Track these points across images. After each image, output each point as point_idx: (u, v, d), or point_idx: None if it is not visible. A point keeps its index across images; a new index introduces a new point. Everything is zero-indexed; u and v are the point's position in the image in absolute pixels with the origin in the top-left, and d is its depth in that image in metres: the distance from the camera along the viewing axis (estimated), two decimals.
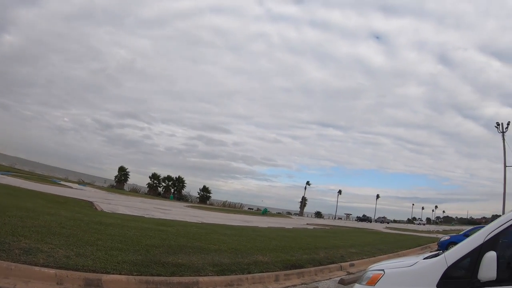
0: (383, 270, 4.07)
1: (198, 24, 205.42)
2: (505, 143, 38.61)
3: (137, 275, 6.43)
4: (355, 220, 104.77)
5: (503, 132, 38.87)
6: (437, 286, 3.44)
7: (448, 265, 3.48)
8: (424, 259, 3.95)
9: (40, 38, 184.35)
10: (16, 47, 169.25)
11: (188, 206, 50.39)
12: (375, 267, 4.40)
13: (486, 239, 3.37)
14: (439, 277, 3.45)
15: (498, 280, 3.09)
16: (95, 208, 20.31)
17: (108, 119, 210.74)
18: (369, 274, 4.23)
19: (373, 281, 4.01)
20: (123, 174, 79.55)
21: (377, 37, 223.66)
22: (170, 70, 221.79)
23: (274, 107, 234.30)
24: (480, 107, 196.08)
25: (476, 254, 3.31)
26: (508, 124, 39.00)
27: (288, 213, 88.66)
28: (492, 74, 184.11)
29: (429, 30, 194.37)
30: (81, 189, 44.68)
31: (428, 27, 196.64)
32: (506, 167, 38.53)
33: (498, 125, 39.27)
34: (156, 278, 6.48)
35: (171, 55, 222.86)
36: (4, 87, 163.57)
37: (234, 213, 47.23)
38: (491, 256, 3.10)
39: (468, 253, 3.41)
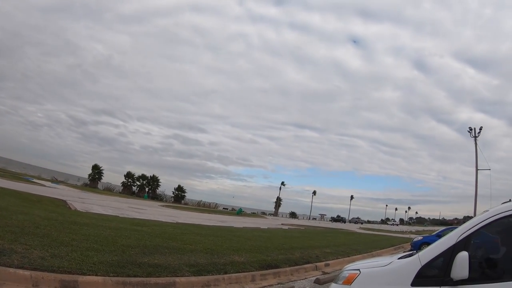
0: (359, 269, 4.15)
1: (178, 22, 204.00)
2: (477, 148, 39.60)
3: (114, 276, 6.40)
4: (330, 220, 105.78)
5: (475, 137, 39.82)
6: (411, 285, 3.55)
7: (422, 265, 3.59)
8: (398, 259, 4.05)
9: (16, 30, 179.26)
10: None
11: (163, 206, 50.11)
12: (351, 267, 4.48)
13: (459, 239, 3.50)
14: (414, 276, 3.57)
15: (470, 279, 3.22)
16: (69, 207, 20.04)
17: (83, 115, 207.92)
18: (345, 273, 4.31)
19: (349, 280, 4.09)
20: (97, 172, 78.42)
21: (355, 41, 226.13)
22: (148, 67, 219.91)
23: (251, 108, 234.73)
24: (454, 112, 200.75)
25: (449, 254, 3.44)
26: (480, 129, 40.06)
27: (263, 213, 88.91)
28: (466, 80, 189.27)
29: (406, 36, 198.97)
30: (55, 187, 43.91)
31: (406, 33, 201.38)
32: (478, 170, 39.50)
33: (471, 130, 40.22)
34: (133, 279, 6.47)
35: (149, 52, 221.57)
36: None
37: (209, 213, 47.18)
38: (463, 256, 3.22)
39: (441, 253, 3.54)
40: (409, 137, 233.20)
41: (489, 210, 3.66)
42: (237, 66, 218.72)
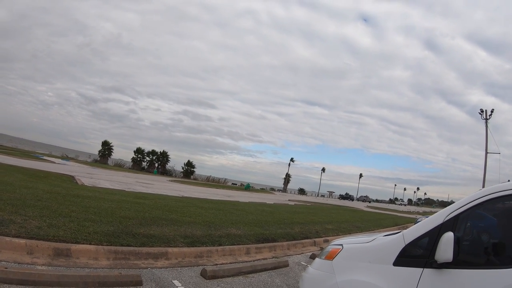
0: (341, 245, 4.14)
1: None
2: (488, 130, 38.87)
3: (107, 245, 6.55)
4: (338, 198, 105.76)
5: (486, 119, 38.90)
6: (394, 264, 3.45)
7: (406, 243, 3.46)
8: (384, 236, 3.95)
9: (24, 12, 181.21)
10: None
11: (171, 181, 50.41)
12: (335, 242, 4.47)
13: (446, 219, 3.31)
14: (396, 255, 3.46)
15: (456, 263, 3.04)
16: (76, 182, 20.24)
17: (93, 93, 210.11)
18: (329, 248, 4.31)
19: (331, 255, 4.08)
20: (107, 148, 78.99)
21: (365, 19, 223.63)
22: (156, 44, 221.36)
23: (260, 84, 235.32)
24: (465, 94, 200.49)
25: (435, 234, 3.27)
26: (491, 111, 39.23)
27: (272, 189, 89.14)
28: (478, 63, 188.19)
29: (417, 16, 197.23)
30: (64, 164, 44.28)
31: (416, 12, 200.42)
32: (487, 154, 38.84)
33: (482, 111, 39.42)
34: (125, 248, 6.62)
35: (157, 30, 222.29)
36: None
37: (217, 188, 47.46)
38: (448, 237, 3.04)
39: (427, 232, 3.38)
40: (419, 117, 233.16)
41: (481, 189, 3.38)
42: (246, 43, 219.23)
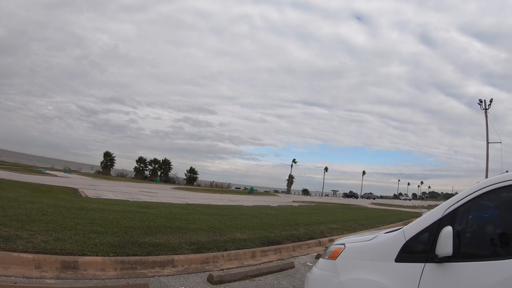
0: (344, 244, 4.17)
1: (180, 7, 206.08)
2: (488, 120, 38.92)
3: (113, 256, 6.61)
4: (342, 196, 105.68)
5: (485, 109, 39.04)
6: (395, 260, 3.47)
7: (407, 239, 3.48)
8: (385, 233, 3.98)
9: (21, 27, 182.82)
10: None
11: (175, 188, 50.46)
12: (337, 242, 4.50)
13: (445, 213, 3.33)
14: (398, 251, 3.48)
15: (457, 256, 3.06)
16: (80, 194, 20.31)
17: (93, 105, 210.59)
18: (332, 248, 4.34)
19: (334, 255, 4.11)
20: (109, 159, 79.17)
21: (358, 17, 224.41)
22: (154, 53, 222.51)
23: (259, 87, 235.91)
24: (462, 86, 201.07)
25: (435, 229, 3.29)
26: (490, 101, 39.24)
27: (276, 191, 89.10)
28: (473, 54, 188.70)
29: (409, 11, 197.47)
30: (67, 177, 44.39)
31: (409, 8, 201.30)
32: (489, 144, 38.89)
33: (481, 102, 39.51)
34: (132, 258, 6.68)
35: (154, 39, 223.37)
36: None
37: (221, 193, 47.43)
38: (447, 231, 3.06)
39: (426, 227, 3.39)
40: (418, 112, 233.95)
41: (479, 182, 3.40)
42: (242, 47, 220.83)
